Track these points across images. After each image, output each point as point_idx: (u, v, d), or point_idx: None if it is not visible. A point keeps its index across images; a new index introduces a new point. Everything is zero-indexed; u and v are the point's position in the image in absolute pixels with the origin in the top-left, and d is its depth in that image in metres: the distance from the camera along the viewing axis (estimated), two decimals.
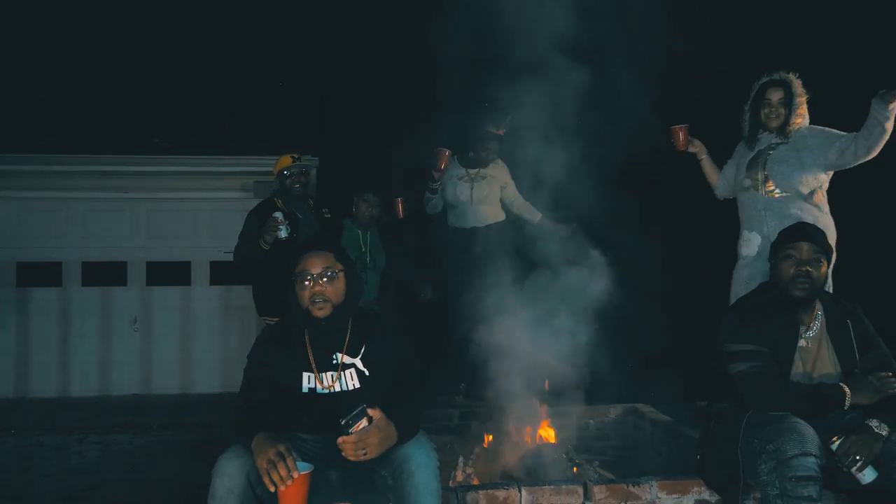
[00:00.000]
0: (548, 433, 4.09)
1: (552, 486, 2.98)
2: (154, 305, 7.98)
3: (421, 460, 2.46)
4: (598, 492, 2.99)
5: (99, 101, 7.98)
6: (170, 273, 8.04)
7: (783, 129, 4.06)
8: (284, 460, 2.32)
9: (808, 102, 4.09)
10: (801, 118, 4.08)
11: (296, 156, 5.00)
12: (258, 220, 4.80)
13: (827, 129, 4.03)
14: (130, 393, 7.81)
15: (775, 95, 4.07)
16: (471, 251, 5.23)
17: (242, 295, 8.10)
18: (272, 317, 4.91)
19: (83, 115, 7.94)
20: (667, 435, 4.33)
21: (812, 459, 2.52)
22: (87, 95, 8.01)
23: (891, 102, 3.64)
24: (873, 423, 2.64)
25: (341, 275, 2.81)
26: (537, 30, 4.50)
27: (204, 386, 7.93)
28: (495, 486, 2.98)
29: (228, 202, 8.05)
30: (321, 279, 2.75)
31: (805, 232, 3.00)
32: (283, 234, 4.58)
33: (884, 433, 2.61)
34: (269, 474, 2.31)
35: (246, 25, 8.46)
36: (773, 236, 3.93)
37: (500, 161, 5.48)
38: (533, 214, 5.49)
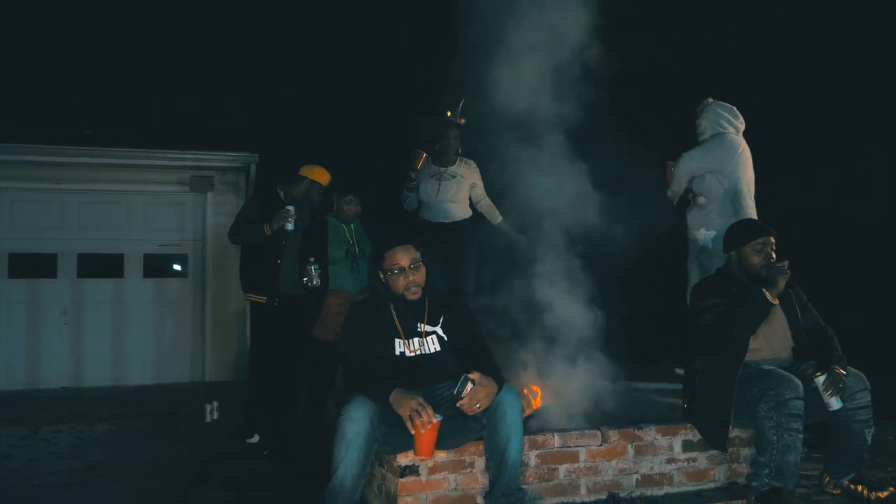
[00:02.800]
0: (535, 402, 4.75)
1: (578, 432, 3.67)
2: (86, 298, 7.94)
3: (512, 404, 3.09)
4: (613, 435, 3.70)
5: (30, 92, 7.82)
6: (102, 265, 8.03)
7: None
8: (425, 409, 2.86)
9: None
10: (704, 133, 4.98)
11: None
12: (260, 204, 5.28)
13: None
14: (60, 386, 7.73)
15: None
16: (437, 244, 5.57)
17: (176, 288, 8.22)
18: (257, 295, 5.22)
19: (12, 105, 7.75)
20: (621, 397, 5.12)
21: (801, 402, 3.45)
22: (18, 86, 7.82)
23: None
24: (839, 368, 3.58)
25: (421, 263, 3.35)
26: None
27: (137, 377, 8.00)
28: (534, 433, 3.61)
29: (163, 195, 8.16)
30: (412, 271, 3.30)
31: (766, 228, 3.84)
32: (290, 226, 5.04)
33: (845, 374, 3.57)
34: (411, 420, 2.84)
35: (182, 24, 8.55)
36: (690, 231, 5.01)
37: (471, 161, 5.90)
38: (494, 217, 5.97)
